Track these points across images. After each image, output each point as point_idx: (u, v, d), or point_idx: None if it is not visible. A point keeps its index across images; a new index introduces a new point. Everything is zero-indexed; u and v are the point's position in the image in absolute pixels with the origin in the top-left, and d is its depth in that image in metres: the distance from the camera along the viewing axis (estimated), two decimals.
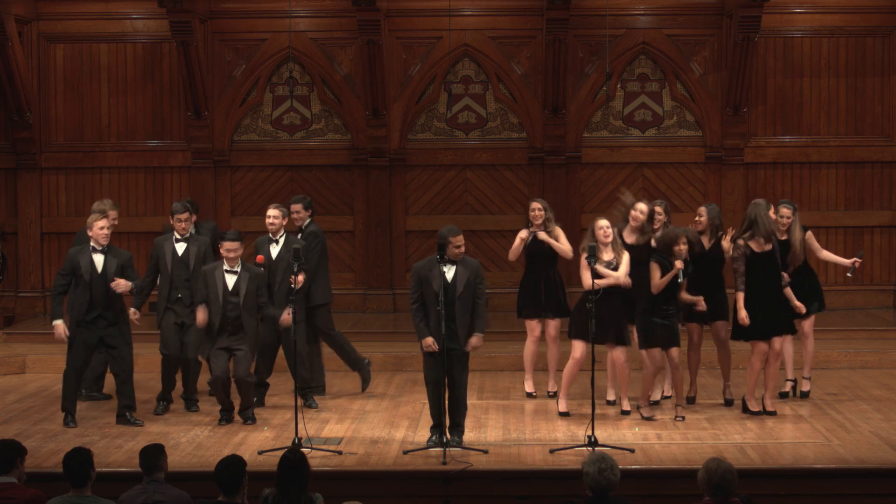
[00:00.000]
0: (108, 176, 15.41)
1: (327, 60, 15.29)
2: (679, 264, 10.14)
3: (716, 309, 10.80)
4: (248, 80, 15.34)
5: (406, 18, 15.16)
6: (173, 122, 15.42)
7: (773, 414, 10.46)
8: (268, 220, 11.08)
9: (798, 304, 10.61)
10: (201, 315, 10.38)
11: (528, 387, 11.52)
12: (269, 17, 15.13)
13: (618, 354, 10.41)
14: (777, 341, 10.46)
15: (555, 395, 11.25)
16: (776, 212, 10.91)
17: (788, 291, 10.58)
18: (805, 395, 11.20)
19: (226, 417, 10.44)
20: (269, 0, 15.12)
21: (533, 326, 11.41)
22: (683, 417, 10.34)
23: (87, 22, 15.28)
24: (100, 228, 10.34)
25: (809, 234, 11.14)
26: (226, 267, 10.44)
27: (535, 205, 11.39)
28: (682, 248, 10.20)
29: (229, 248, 10.42)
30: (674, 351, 10.32)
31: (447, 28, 14.53)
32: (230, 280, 10.41)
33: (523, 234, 11.36)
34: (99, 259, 10.34)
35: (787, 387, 11.23)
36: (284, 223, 11.15)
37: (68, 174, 15.40)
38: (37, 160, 15.32)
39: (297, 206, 11.38)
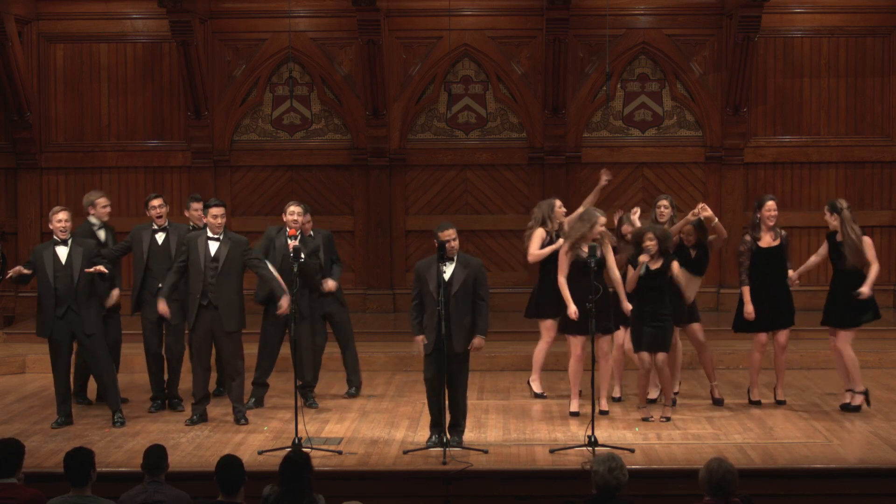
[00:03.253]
0: (108, 176, 15.41)
1: (327, 60, 15.29)
2: (643, 258, 10.20)
3: (690, 312, 10.83)
4: (248, 80, 15.35)
5: (406, 18, 15.17)
6: (173, 122, 15.43)
7: (783, 403, 10.67)
8: (290, 218, 10.88)
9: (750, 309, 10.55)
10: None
11: (537, 387, 11.45)
12: (269, 17, 15.14)
13: (600, 343, 10.39)
14: (783, 335, 10.70)
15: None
16: None
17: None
18: (855, 409, 10.67)
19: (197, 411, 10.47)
20: (269, 0, 15.12)
21: (549, 327, 11.25)
22: (669, 418, 10.34)
23: (87, 22, 15.29)
24: (58, 221, 10.32)
25: (867, 240, 10.62)
26: (209, 234, 10.42)
27: (557, 202, 11.37)
28: (649, 244, 10.23)
29: (215, 213, 10.37)
30: (659, 355, 10.31)
31: (447, 28, 14.53)
32: (213, 247, 10.39)
33: (541, 234, 11.19)
34: (62, 251, 10.30)
35: (848, 397, 10.75)
36: (304, 220, 11.06)
37: (68, 174, 15.41)
38: (37, 160, 15.33)
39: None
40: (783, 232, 10.82)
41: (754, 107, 15.25)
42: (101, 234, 11.17)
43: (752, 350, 10.89)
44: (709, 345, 11.06)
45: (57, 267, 10.22)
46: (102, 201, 11.27)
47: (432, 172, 15.43)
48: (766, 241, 10.66)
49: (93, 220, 11.20)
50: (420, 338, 9.46)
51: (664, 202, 11.11)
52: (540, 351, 11.43)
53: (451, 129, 15.46)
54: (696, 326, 10.92)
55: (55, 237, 10.32)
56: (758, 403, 10.72)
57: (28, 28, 15.18)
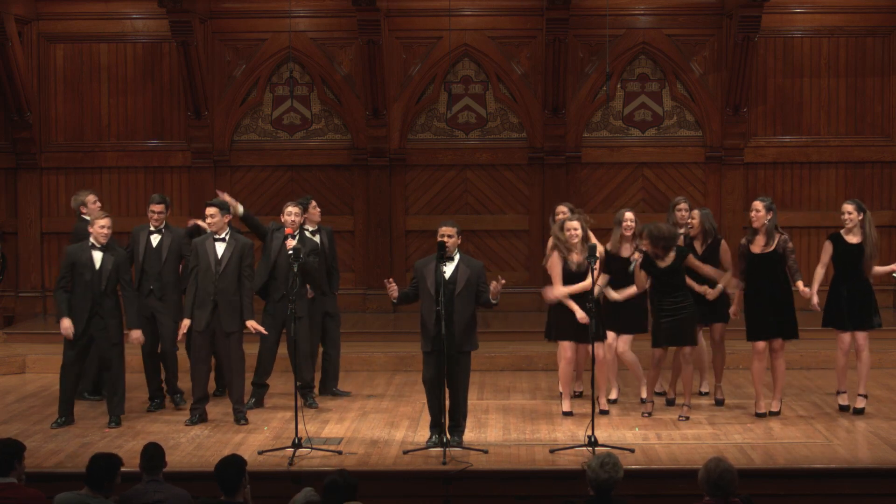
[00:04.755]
0: (108, 176, 15.41)
1: (327, 60, 15.29)
2: (635, 255, 10.25)
3: (715, 310, 10.78)
4: (248, 80, 15.34)
5: (406, 18, 15.16)
6: (173, 122, 15.43)
7: (776, 414, 10.45)
8: (289, 219, 10.89)
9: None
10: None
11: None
12: (269, 17, 15.13)
13: (597, 352, 10.30)
14: (778, 343, 10.42)
15: (580, 395, 11.18)
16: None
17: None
18: (859, 412, 10.59)
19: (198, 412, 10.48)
20: (269, 0, 15.12)
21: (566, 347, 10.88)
22: (687, 417, 10.34)
23: (87, 22, 15.29)
24: (100, 227, 10.33)
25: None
26: (214, 235, 10.44)
27: (561, 208, 11.12)
28: (643, 245, 10.28)
29: (207, 212, 10.41)
30: (685, 350, 10.32)
31: (447, 28, 14.53)
32: (219, 248, 10.41)
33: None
34: (98, 256, 10.32)
35: (844, 399, 10.74)
36: (302, 220, 11.07)
37: (68, 174, 15.41)
38: (37, 160, 15.33)
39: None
40: (782, 236, 10.36)
41: (754, 107, 15.25)
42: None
43: (752, 359, 10.56)
44: (724, 347, 11.01)
45: (94, 272, 10.26)
46: (92, 198, 11.35)
47: (432, 172, 15.43)
48: (758, 245, 10.36)
49: (87, 218, 11.22)
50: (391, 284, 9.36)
51: (684, 205, 11.00)
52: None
53: (451, 129, 15.46)
54: (718, 326, 10.86)
55: (95, 242, 10.31)
56: (763, 416, 10.43)
57: (28, 28, 15.17)
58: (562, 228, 10.38)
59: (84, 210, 11.45)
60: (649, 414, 10.43)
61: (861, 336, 10.66)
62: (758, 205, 10.41)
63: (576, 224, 10.31)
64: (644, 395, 10.73)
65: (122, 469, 6.85)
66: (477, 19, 15.22)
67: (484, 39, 15.25)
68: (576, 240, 10.28)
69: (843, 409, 10.67)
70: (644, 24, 15.19)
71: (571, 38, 14.91)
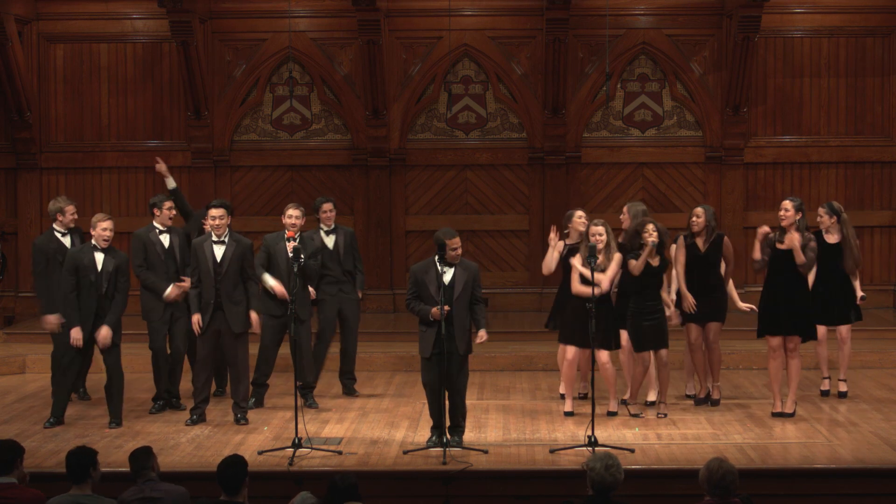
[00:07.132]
0: (108, 176, 15.42)
1: (327, 60, 15.29)
2: (651, 238, 10.14)
3: (711, 310, 10.76)
4: (248, 80, 15.34)
5: (406, 18, 15.16)
6: (173, 121, 15.43)
7: (790, 416, 10.37)
8: (289, 221, 10.89)
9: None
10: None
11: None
12: (269, 17, 15.13)
13: (600, 357, 10.26)
14: (792, 339, 10.39)
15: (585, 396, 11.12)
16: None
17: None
18: (843, 395, 11.21)
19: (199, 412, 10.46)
20: (269, 0, 15.13)
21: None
22: (665, 414, 10.37)
23: (87, 22, 15.29)
24: (102, 230, 10.31)
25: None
26: (213, 238, 10.42)
27: (579, 213, 11.05)
28: (650, 234, 10.20)
29: (214, 214, 10.37)
30: (662, 352, 10.34)
31: (447, 28, 14.53)
32: (218, 251, 10.40)
33: (559, 246, 10.88)
34: (100, 258, 10.30)
35: (825, 385, 11.31)
36: (303, 222, 11.06)
37: (68, 174, 15.41)
38: (37, 160, 15.33)
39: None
40: (809, 236, 10.35)
41: (754, 107, 15.25)
42: (67, 241, 11.10)
43: (768, 358, 10.52)
44: (719, 347, 11.00)
45: (97, 274, 10.24)
46: (71, 209, 11.21)
47: (432, 172, 15.43)
48: (787, 242, 10.33)
49: (57, 227, 11.09)
50: (435, 309, 9.27)
51: (699, 210, 10.97)
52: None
53: (451, 129, 15.46)
54: (712, 325, 10.82)
55: (96, 244, 10.28)
56: (781, 415, 10.38)
57: (28, 28, 15.17)
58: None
59: (60, 217, 11.11)
60: (638, 415, 10.42)
61: (843, 329, 11.17)
62: (787, 204, 10.38)
63: (600, 230, 10.21)
64: (627, 395, 10.77)
65: (123, 469, 6.86)
66: (477, 19, 15.22)
67: (484, 39, 15.25)
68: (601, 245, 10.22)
69: (824, 394, 11.18)
70: (644, 24, 15.19)
71: (571, 38, 14.91)
